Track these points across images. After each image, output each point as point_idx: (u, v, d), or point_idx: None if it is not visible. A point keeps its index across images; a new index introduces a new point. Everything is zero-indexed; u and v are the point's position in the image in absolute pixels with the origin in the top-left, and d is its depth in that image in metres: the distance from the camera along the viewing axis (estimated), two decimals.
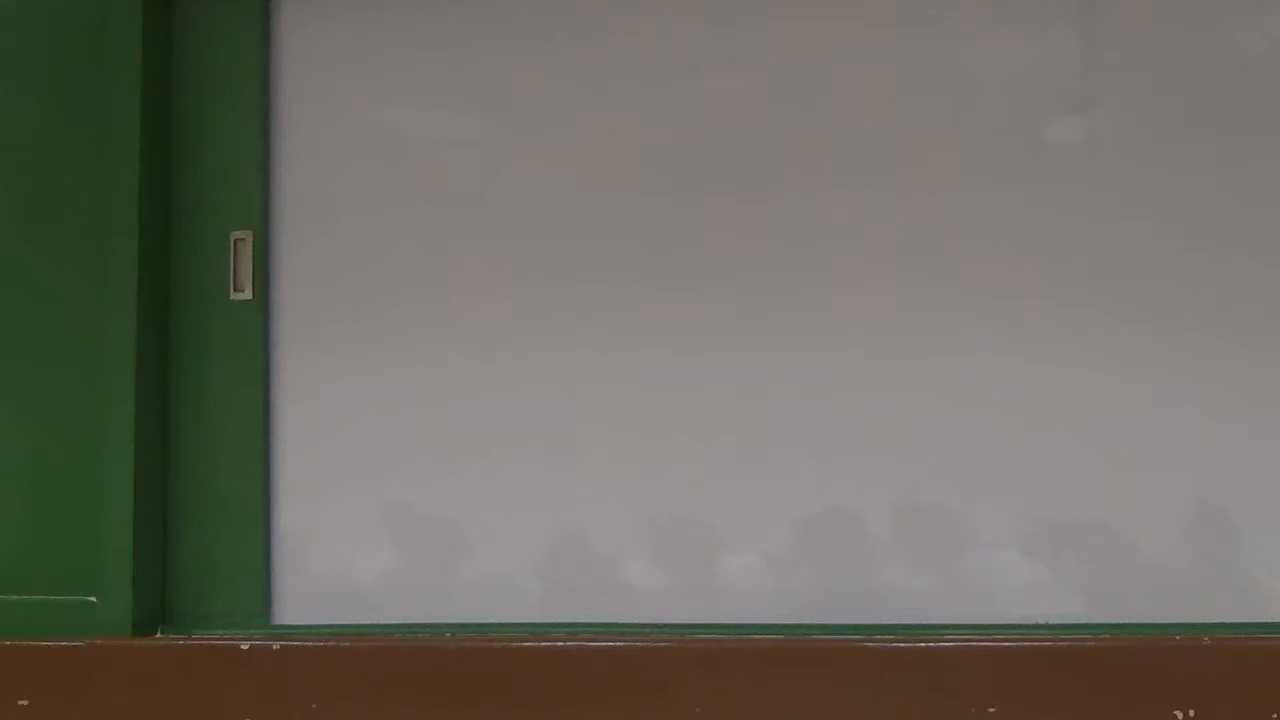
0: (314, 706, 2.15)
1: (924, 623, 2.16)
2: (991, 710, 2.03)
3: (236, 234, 2.39)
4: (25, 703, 2.20)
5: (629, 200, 2.34)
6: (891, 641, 2.09)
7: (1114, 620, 2.14)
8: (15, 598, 2.30)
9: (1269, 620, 2.11)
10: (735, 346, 2.28)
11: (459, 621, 2.27)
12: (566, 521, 2.30)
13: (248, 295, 2.38)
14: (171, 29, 2.44)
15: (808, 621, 2.19)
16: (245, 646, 2.20)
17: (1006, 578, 2.20)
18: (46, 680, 2.21)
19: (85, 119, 2.38)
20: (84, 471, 2.31)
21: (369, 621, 2.30)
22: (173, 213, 2.41)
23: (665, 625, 2.21)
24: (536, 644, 2.16)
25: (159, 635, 2.31)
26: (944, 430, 2.22)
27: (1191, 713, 1.99)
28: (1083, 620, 2.15)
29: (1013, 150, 2.26)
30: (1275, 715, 1.98)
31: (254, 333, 2.38)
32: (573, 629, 2.21)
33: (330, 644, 2.20)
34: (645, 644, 2.15)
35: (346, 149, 2.42)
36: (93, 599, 2.29)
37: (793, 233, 2.29)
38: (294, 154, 2.42)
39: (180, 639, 2.28)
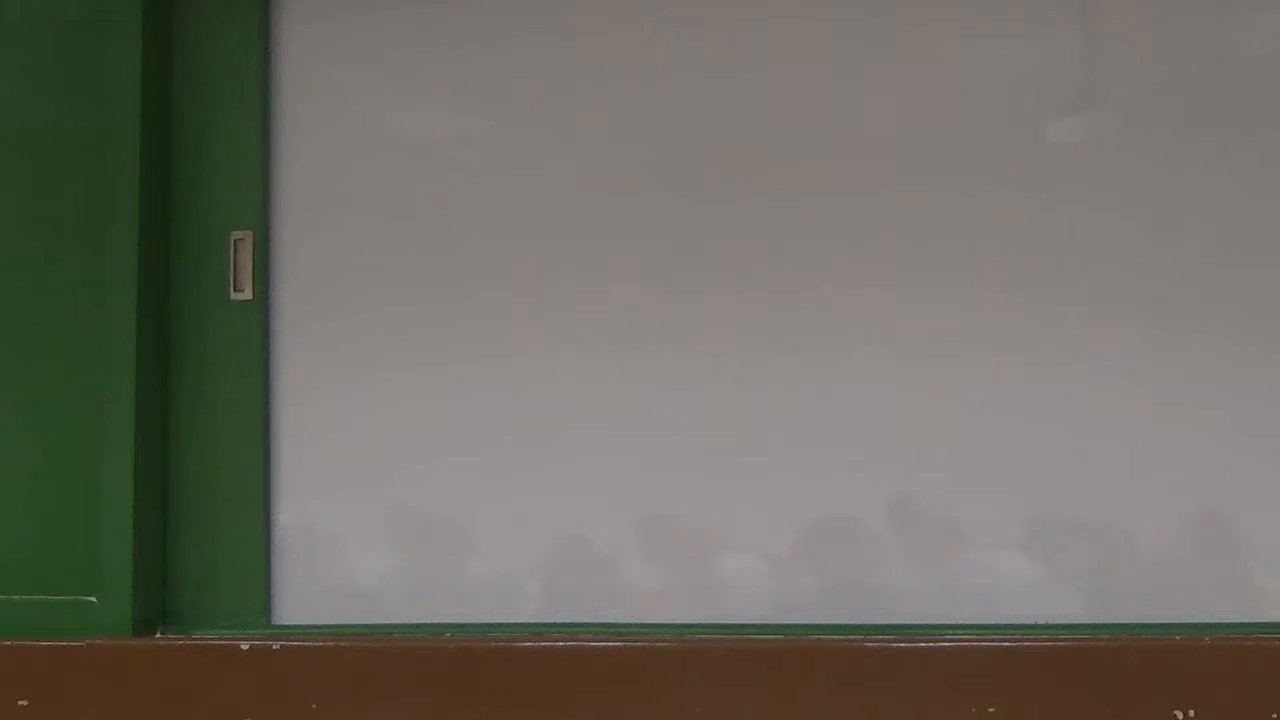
0: (314, 706, 2.15)
1: (924, 623, 2.16)
2: (991, 710, 2.03)
3: (236, 234, 2.39)
4: (25, 703, 2.20)
5: (629, 200, 2.34)
6: (891, 641, 2.09)
7: (1114, 620, 2.14)
8: (15, 598, 2.30)
9: (1269, 620, 2.11)
10: (735, 346, 2.28)
11: (459, 621, 2.27)
12: (566, 522, 2.30)
13: (248, 295, 2.38)
14: (171, 29, 2.44)
15: (808, 621, 2.19)
16: (245, 646, 2.20)
17: (1006, 578, 2.20)
18: (46, 680, 2.21)
19: (85, 119, 2.38)
20: (84, 471, 2.31)
21: (369, 621, 2.30)
22: (173, 213, 2.41)
23: (665, 625, 2.21)
24: (536, 644, 2.16)
25: (159, 635, 2.31)
26: (944, 430, 2.22)
27: (1191, 713, 1.99)
28: (1083, 620, 2.15)
29: (1013, 150, 2.26)
30: (1275, 715, 1.99)
31: (254, 333, 2.38)
32: (573, 629, 2.21)
33: (330, 644, 2.20)
34: (645, 644, 2.15)
35: (347, 149, 2.42)
36: (93, 599, 2.29)
37: (792, 232, 2.29)
38: (294, 154, 2.42)
39: (180, 639, 2.28)
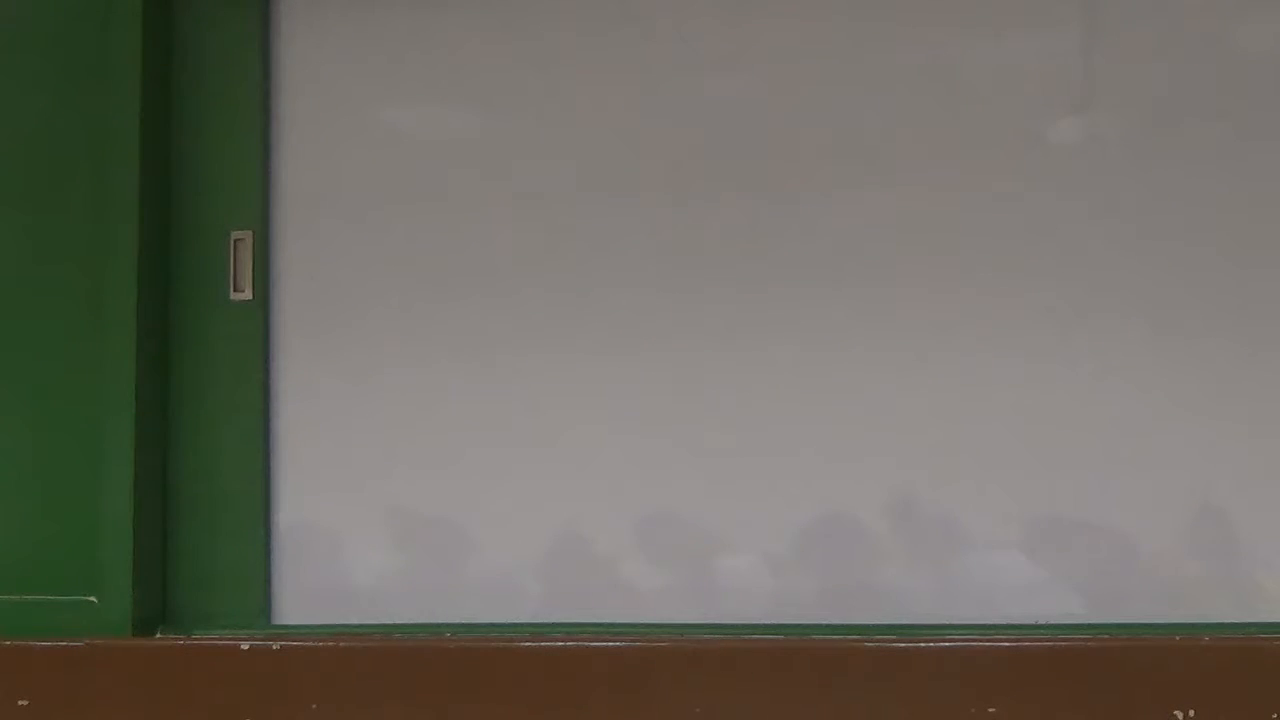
0: (314, 706, 2.15)
1: (924, 623, 2.16)
2: (991, 710, 2.03)
3: (236, 234, 2.39)
4: (25, 703, 2.20)
5: (629, 200, 2.34)
6: (891, 641, 2.09)
7: (1114, 620, 2.14)
8: (15, 598, 2.30)
9: (1269, 620, 2.11)
10: (735, 346, 2.28)
11: (459, 621, 2.27)
12: (566, 521, 2.30)
13: (248, 295, 2.38)
14: (171, 29, 2.44)
15: (808, 621, 2.19)
16: (245, 646, 2.19)
17: (1006, 578, 2.20)
18: (46, 680, 2.21)
19: (85, 119, 2.38)
20: (84, 471, 2.31)
21: (369, 621, 2.30)
22: (173, 213, 2.41)
23: (665, 625, 2.21)
24: (536, 644, 2.16)
25: (159, 635, 2.31)
26: (944, 430, 2.22)
27: (1191, 713, 1.99)
28: (1083, 620, 2.15)
29: (1013, 150, 2.26)
30: (1275, 715, 1.98)
31: (254, 333, 2.38)
32: (573, 629, 2.21)
33: (330, 644, 2.20)
34: (645, 644, 2.14)
35: (346, 149, 2.42)
36: (93, 599, 2.29)
37: (792, 232, 2.29)
38: (294, 154, 2.42)
39: (180, 639, 2.28)
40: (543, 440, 2.32)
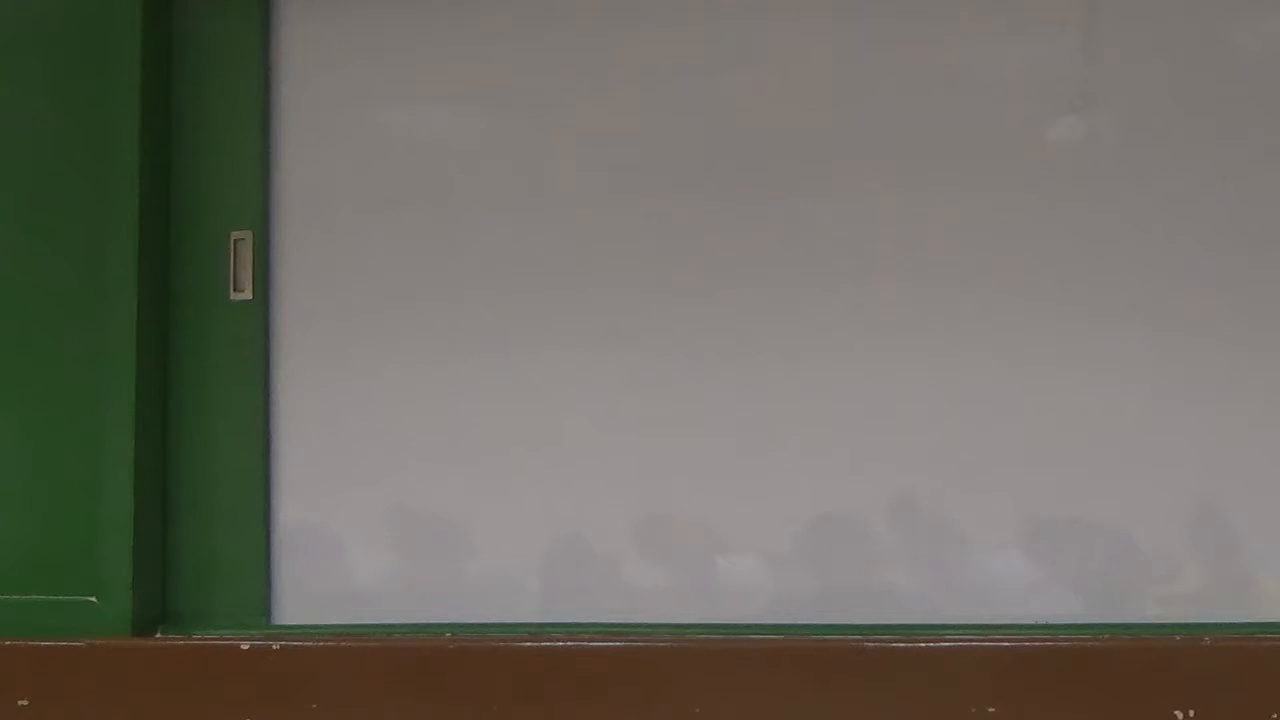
0: (314, 706, 2.15)
1: (924, 623, 2.16)
2: (991, 710, 2.03)
3: (236, 234, 2.39)
4: (25, 703, 2.20)
5: (629, 200, 2.34)
6: (891, 641, 2.09)
7: (1114, 620, 2.14)
8: (15, 598, 2.30)
9: (1269, 620, 2.11)
10: (735, 346, 2.28)
11: (459, 621, 2.27)
12: (566, 521, 2.30)
13: (248, 295, 2.38)
14: (171, 29, 2.44)
15: (808, 621, 2.19)
16: (245, 646, 2.20)
17: (1006, 578, 2.20)
18: (46, 680, 2.21)
19: (85, 119, 2.38)
20: (84, 471, 2.31)
21: (369, 621, 2.30)
22: (173, 213, 2.41)
23: (665, 625, 2.21)
24: (536, 644, 2.16)
25: (159, 635, 2.31)
26: (944, 430, 2.22)
27: (1191, 713, 1.99)
28: (1083, 620, 2.15)
29: (1013, 150, 2.26)
30: (1275, 715, 1.98)
31: (254, 333, 2.38)
32: (573, 629, 2.21)
33: (330, 644, 2.20)
34: (645, 644, 2.14)
35: (346, 149, 2.42)
36: (93, 599, 2.29)
37: (793, 233, 2.29)
38: (294, 154, 2.42)
39: (180, 639, 2.28)
40: (543, 440, 2.32)
